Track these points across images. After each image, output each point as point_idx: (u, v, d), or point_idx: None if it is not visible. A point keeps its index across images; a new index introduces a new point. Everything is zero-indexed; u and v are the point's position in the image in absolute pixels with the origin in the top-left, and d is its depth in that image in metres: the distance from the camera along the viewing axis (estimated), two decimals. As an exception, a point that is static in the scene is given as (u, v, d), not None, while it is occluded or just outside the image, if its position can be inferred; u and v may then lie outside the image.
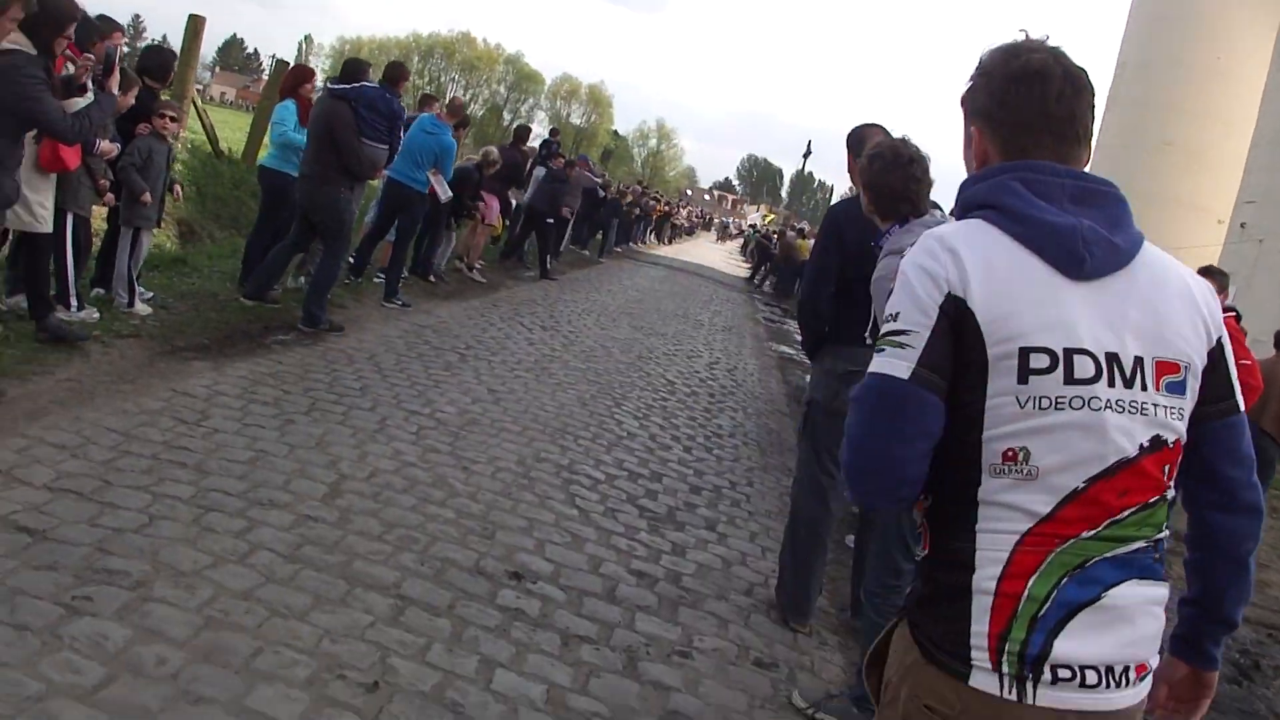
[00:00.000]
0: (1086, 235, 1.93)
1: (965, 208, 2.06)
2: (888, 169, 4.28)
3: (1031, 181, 1.99)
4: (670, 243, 48.76)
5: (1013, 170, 2.01)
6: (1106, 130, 34.86)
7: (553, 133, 24.13)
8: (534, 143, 20.67)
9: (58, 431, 5.12)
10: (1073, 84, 2.06)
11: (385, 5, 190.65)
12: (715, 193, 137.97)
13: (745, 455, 8.50)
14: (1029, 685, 1.86)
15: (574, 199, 20.22)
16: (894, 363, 1.90)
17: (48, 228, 6.65)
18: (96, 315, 7.31)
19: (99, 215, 7.92)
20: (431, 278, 13.49)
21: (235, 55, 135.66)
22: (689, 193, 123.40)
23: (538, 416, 7.79)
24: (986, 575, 1.89)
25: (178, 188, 9.22)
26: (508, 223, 17.47)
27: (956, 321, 1.88)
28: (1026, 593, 1.87)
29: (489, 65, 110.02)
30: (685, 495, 6.86)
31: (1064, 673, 1.86)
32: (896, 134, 4.70)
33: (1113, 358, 1.90)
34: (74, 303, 7.12)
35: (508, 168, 15.16)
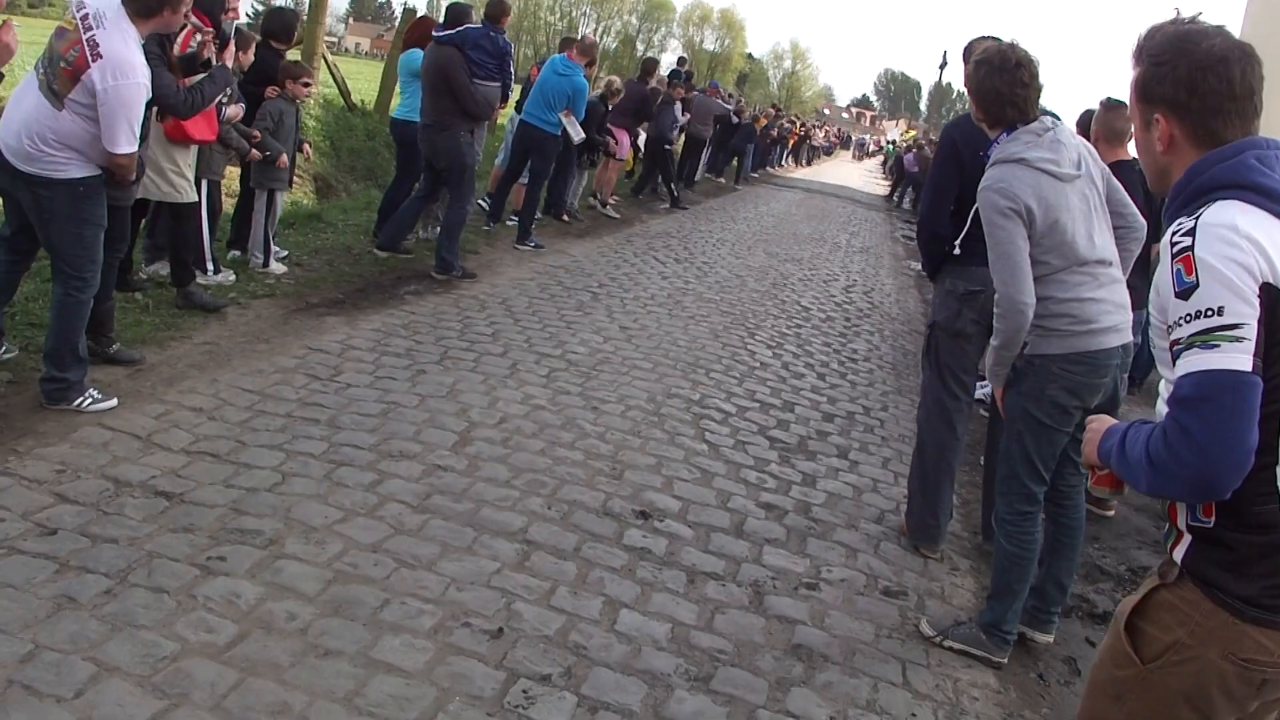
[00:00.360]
0: None
1: (1207, 189, 2.14)
2: (993, 74, 4.14)
3: (1265, 159, 2.13)
4: (809, 164, 48.15)
5: (1249, 148, 2.14)
6: (1251, 23, 33.14)
7: (680, 61, 23.95)
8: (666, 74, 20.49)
9: (195, 395, 5.33)
10: (1250, 62, 2.21)
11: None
12: (853, 110, 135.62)
13: (880, 379, 8.38)
14: None
15: (704, 125, 20.09)
16: (1236, 356, 1.97)
17: (190, 197, 6.89)
18: (233, 278, 7.56)
19: (231, 177, 8.13)
20: (565, 217, 13.56)
21: (369, 4, 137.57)
22: (826, 112, 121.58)
23: (669, 352, 7.80)
24: None
25: (307, 147, 9.42)
26: (640, 157, 17.45)
27: (1270, 306, 1.99)
28: None
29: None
30: (818, 424, 6.81)
31: None
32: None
33: None
34: (210, 267, 7.36)
35: (635, 102, 15.06)
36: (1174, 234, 2.11)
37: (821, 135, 57.90)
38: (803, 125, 48.49)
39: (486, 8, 9.70)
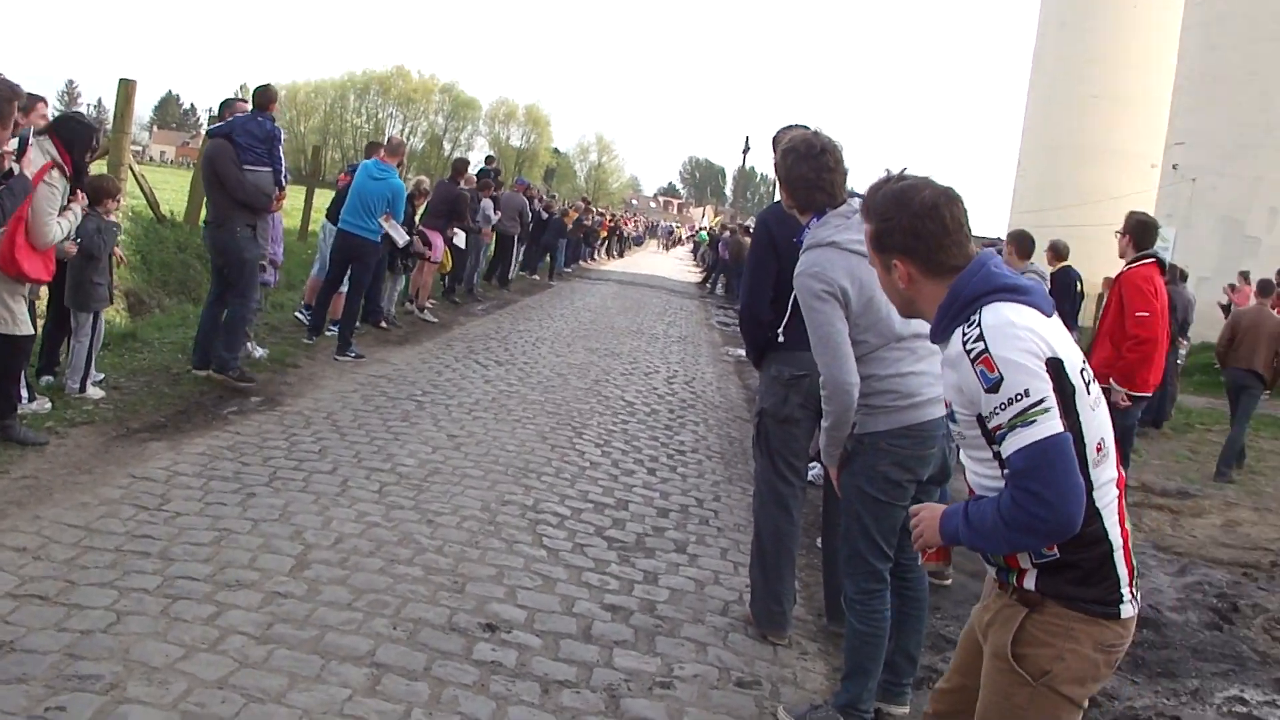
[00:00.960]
0: None
1: (974, 299, 2.69)
2: (800, 161, 4.38)
3: (999, 265, 2.79)
4: (621, 255, 48.87)
5: (985, 261, 2.78)
6: (1036, 88, 35.35)
7: (488, 160, 24.19)
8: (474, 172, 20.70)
9: (17, 534, 5.11)
10: (955, 203, 2.86)
11: (318, 48, 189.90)
12: (660, 199, 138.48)
13: (710, 469, 8.56)
14: (1137, 596, 2.73)
15: (512, 222, 20.36)
16: (1050, 424, 2.51)
17: (25, 330, 6.66)
18: (49, 405, 7.30)
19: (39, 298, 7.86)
20: (383, 324, 13.49)
21: (172, 112, 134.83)
22: (634, 202, 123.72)
23: (499, 458, 7.82)
24: (1114, 537, 2.66)
25: (119, 252, 9.20)
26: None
27: (1056, 376, 2.55)
28: (1129, 535, 2.73)
29: (425, 96, 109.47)
30: (653, 520, 6.91)
31: None
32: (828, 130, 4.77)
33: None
34: (24, 394, 7.08)
35: (447, 203, 15.17)
36: (965, 343, 2.63)
37: (631, 226, 58.81)
38: (612, 217, 49.29)
39: (254, 94, 9.54)
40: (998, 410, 2.55)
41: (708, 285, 34.52)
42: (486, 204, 18.63)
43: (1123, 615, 2.68)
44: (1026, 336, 2.57)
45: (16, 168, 5.95)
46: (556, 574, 5.65)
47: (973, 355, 2.60)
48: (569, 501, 7.01)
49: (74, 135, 7.00)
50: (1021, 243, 9.68)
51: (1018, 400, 2.52)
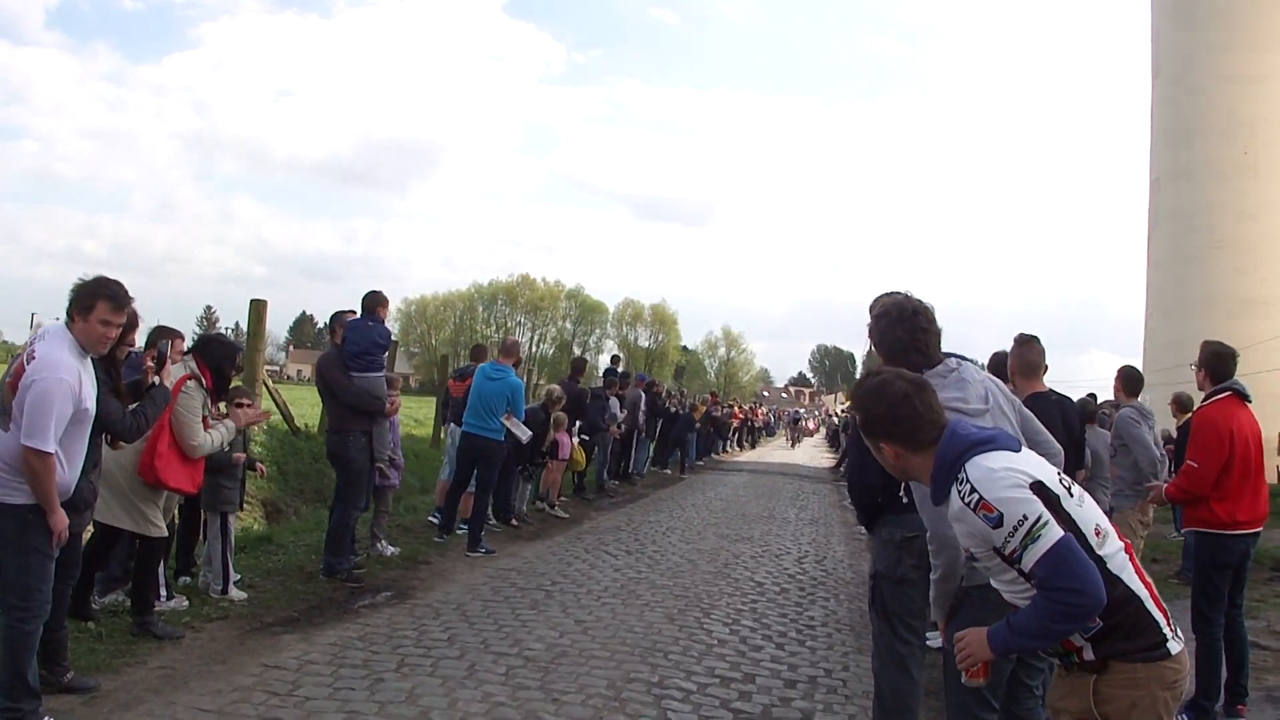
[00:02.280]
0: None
1: (955, 460, 3.33)
2: (894, 325, 4.50)
3: (961, 424, 3.51)
4: (754, 446, 48.88)
5: (953, 429, 3.44)
6: (1157, 245, 34.69)
7: (614, 360, 24.73)
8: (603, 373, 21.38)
9: (152, 719, 5.33)
10: (924, 392, 3.53)
11: (444, 263, 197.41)
12: (791, 389, 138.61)
13: (839, 641, 8.44)
14: (1179, 633, 3.23)
15: (632, 417, 20.74)
16: (1053, 532, 3.09)
17: (161, 532, 7.11)
18: (185, 603, 7.65)
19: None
20: (514, 521, 13.72)
21: (307, 331, 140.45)
22: (765, 394, 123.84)
23: (626, 639, 7.85)
24: (1139, 590, 3.18)
25: (260, 466, 9.64)
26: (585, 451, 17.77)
27: (1040, 491, 3.19)
28: (1151, 585, 3.24)
29: (552, 303, 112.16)
30: (780, 691, 6.84)
31: None
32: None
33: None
34: (163, 592, 7.44)
35: (569, 401, 15.52)
36: (962, 498, 3.24)
37: (761, 416, 58.71)
38: (741, 409, 49.51)
39: (362, 300, 9.88)
40: (1008, 539, 3.15)
41: (840, 469, 34.24)
42: (613, 402, 19.06)
43: (1173, 651, 3.19)
44: (1007, 475, 3.21)
45: (157, 380, 6.37)
46: (680, 746, 5.62)
47: (972, 505, 3.20)
48: (695, 677, 6.98)
49: (213, 353, 7.54)
50: (1129, 381, 9.65)
51: (1020, 526, 3.11)
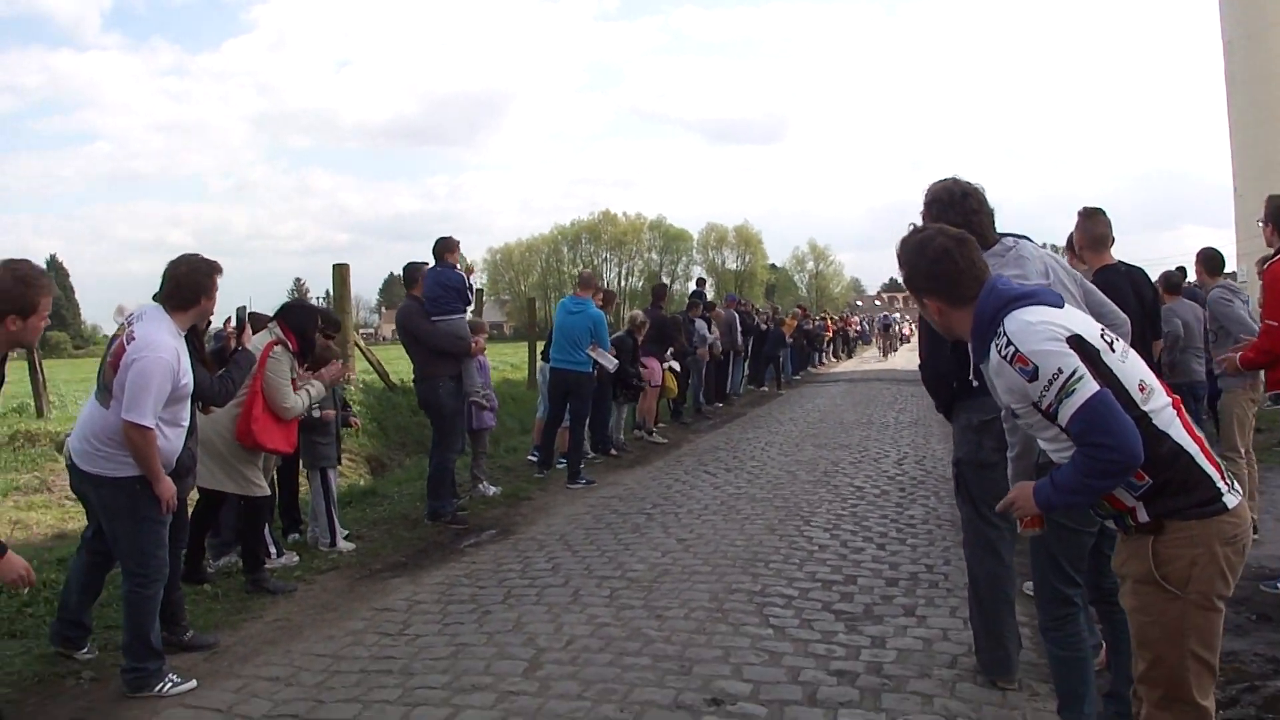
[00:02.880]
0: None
1: (995, 315, 3.34)
2: (946, 209, 4.49)
3: (1002, 280, 3.51)
4: (850, 356, 48.58)
5: (993, 284, 3.46)
6: (1237, 108, 33.50)
7: (699, 282, 24.74)
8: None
9: (271, 667, 5.60)
10: (964, 246, 3.53)
11: (523, 208, 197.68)
12: (884, 295, 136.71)
13: (940, 537, 8.44)
14: (1234, 485, 3.21)
15: (727, 339, 20.74)
16: (1089, 386, 3.08)
17: (263, 491, 7.40)
18: (296, 559, 7.96)
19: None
20: (614, 451, 13.88)
21: (398, 292, 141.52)
22: (859, 303, 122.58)
23: (727, 553, 7.96)
24: (1189, 446, 3.16)
25: (354, 420, 9.89)
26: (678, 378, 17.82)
27: (1078, 345, 3.16)
28: (1202, 440, 3.21)
29: (635, 236, 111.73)
30: (881, 589, 6.89)
31: None
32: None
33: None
34: (273, 550, 7.76)
35: (655, 328, 15.56)
36: (1000, 351, 3.25)
37: (855, 325, 57.78)
38: (837, 319, 49.09)
39: (433, 248, 10.02)
40: (1044, 393, 3.14)
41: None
42: (700, 324, 19.07)
43: (1229, 505, 3.15)
44: (1044, 328, 3.19)
45: (239, 346, 6.57)
46: (783, 649, 5.72)
47: (1008, 358, 3.21)
48: (796, 584, 7.07)
49: (295, 317, 7.75)
50: (1209, 261, 9.46)
51: (1055, 379, 3.10)
